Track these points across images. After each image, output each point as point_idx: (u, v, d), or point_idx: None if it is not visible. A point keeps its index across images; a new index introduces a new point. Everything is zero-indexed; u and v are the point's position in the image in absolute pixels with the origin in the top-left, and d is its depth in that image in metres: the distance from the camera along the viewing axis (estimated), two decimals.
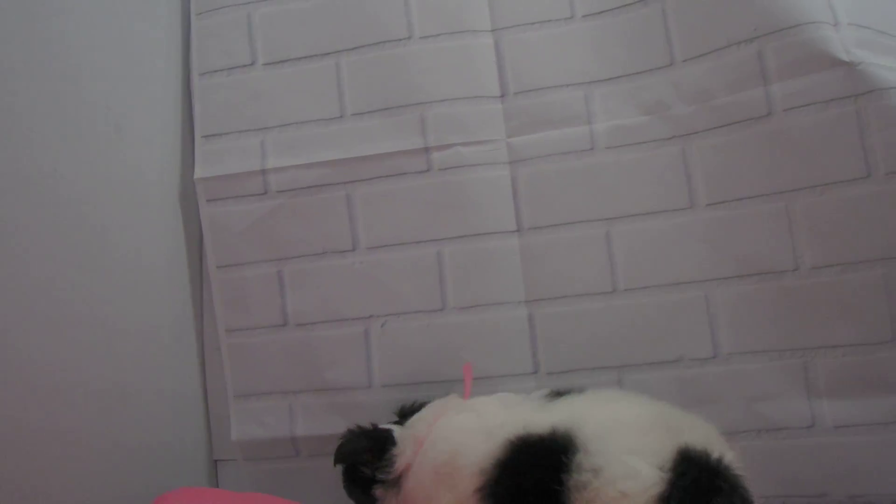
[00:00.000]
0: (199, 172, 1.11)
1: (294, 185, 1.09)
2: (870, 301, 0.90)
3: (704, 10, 0.98)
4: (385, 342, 1.06)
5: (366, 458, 0.86)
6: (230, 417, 1.10)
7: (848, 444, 0.91)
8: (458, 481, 0.76)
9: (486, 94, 1.06)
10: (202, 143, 1.11)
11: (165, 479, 1.00)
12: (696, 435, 0.69)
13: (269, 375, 1.09)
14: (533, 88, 1.05)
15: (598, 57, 1.03)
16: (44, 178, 0.87)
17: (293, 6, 1.12)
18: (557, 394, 0.83)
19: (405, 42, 1.08)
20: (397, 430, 0.88)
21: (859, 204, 0.90)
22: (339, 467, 0.90)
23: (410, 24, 1.08)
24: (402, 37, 1.08)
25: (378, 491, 0.85)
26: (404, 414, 0.93)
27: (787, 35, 0.93)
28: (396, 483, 0.84)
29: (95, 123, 0.97)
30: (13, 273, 0.80)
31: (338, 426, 0.99)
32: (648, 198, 1.00)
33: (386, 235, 1.07)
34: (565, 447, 0.68)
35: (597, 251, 1.01)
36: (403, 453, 0.84)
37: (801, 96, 0.92)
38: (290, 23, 1.12)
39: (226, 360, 1.10)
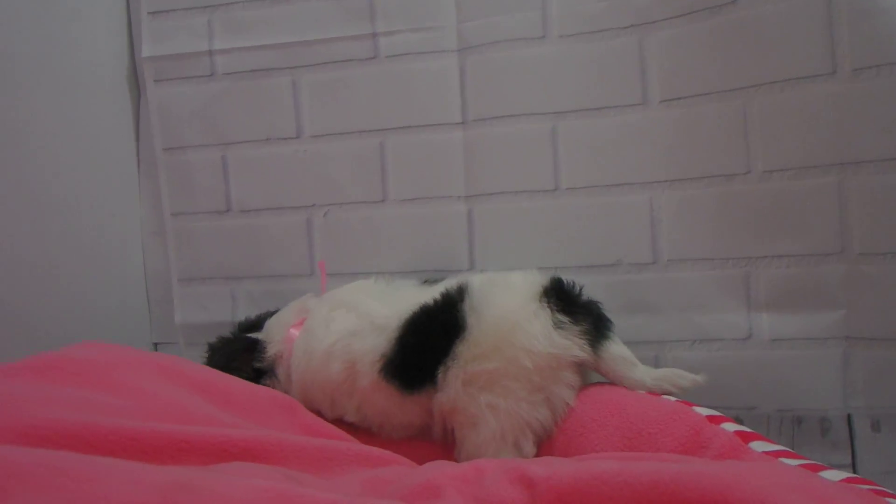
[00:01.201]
0: (146, 51, 1.05)
1: (240, 67, 1.04)
2: (821, 209, 0.83)
3: None
4: (327, 231, 1.02)
5: (239, 358, 0.86)
6: (173, 301, 1.08)
7: (783, 359, 0.86)
8: (358, 382, 0.78)
9: None
10: (149, 21, 1.05)
11: None
12: None
13: (213, 261, 1.07)
14: None
15: None
16: None
17: None
18: (432, 281, 0.84)
19: None
20: (257, 333, 0.88)
21: (820, 103, 0.81)
22: None
23: None
24: None
25: (267, 382, 0.85)
26: (245, 328, 0.92)
27: None
28: (273, 373, 0.85)
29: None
30: None
31: None
32: (600, 92, 0.92)
33: (330, 124, 1.02)
34: (461, 291, 0.77)
35: (541, 147, 0.94)
36: (272, 342, 0.86)
37: None
38: None
39: (170, 245, 1.08)
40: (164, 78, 1.06)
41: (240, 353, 0.87)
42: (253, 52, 1.03)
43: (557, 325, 0.73)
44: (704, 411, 0.69)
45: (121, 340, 1.02)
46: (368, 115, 1.00)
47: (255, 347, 0.86)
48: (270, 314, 0.93)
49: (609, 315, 0.83)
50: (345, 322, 0.82)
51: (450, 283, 0.80)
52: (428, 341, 0.76)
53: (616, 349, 0.76)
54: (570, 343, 0.73)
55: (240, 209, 1.05)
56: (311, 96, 1.02)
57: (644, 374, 0.75)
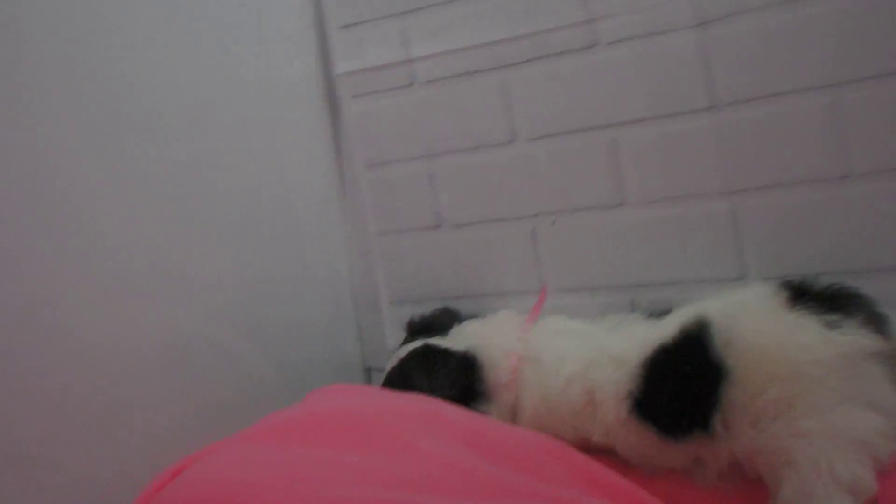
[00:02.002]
0: (341, 67, 1.00)
1: (442, 73, 0.96)
2: None
3: None
4: (556, 242, 0.93)
5: (453, 377, 0.80)
6: (384, 325, 1.02)
7: None
8: (604, 413, 0.74)
9: None
10: (340, 35, 1.00)
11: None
12: None
13: (425, 281, 1.01)
14: None
15: None
16: (187, 82, 0.80)
17: None
18: (658, 315, 0.78)
19: None
20: (455, 345, 0.83)
21: None
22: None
23: None
24: None
25: (481, 408, 0.80)
26: (417, 330, 0.89)
27: None
28: (492, 399, 0.80)
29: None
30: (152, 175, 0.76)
31: None
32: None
33: (548, 124, 0.93)
34: (701, 329, 0.69)
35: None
36: (495, 366, 0.81)
37: None
38: None
39: (378, 266, 1.03)
40: (361, 92, 1.00)
41: (456, 371, 0.80)
42: (454, 55, 0.95)
43: (832, 326, 0.65)
44: None
45: (336, 366, 1.01)
46: (593, 109, 0.90)
47: (473, 366, 0.81)
48: (446, 313, 0.90)
49: None
50: (579, 352, 0.77)
51: (682, 317, 0.73)
52: (686, 386, 0.69)
53: None
54: (855, 337, 0.65)
55: (452, 224, 0.98)
56: (524, 95, 0.93)
57: None
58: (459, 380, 0.80)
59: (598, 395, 0.74)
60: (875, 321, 0.67)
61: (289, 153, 0.98)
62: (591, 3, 0.88)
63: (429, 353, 0.83)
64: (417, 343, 0.85)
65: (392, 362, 0.86)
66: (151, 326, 0.74)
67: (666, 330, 0.72)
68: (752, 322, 0.68)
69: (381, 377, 0.88)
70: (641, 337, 0.74)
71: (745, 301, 0.71)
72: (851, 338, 0.65)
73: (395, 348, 1.02)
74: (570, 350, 0.78)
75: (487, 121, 0.94)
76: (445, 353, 0.82)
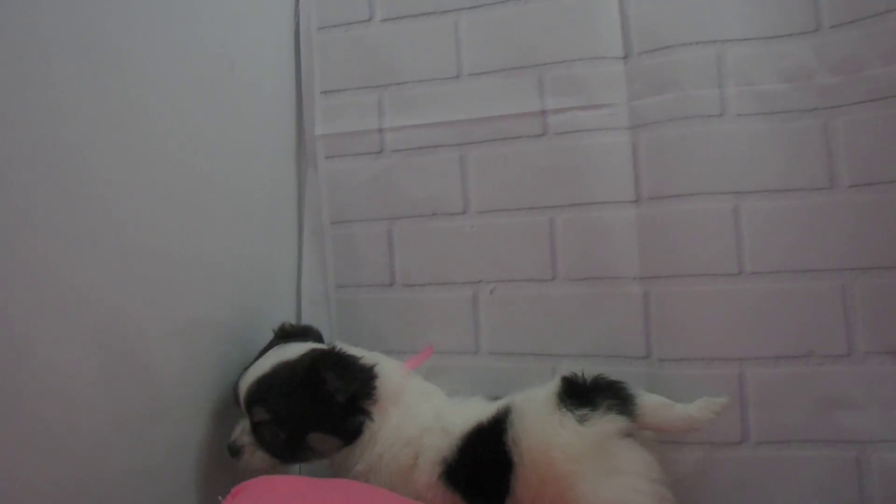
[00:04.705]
0: (319, 129, 1.19)
1: (409, 144, 1.16)
2: None
3: None
4: (494, 309, 1.11)
5: (356, 382, 0.90)
6: None
7: None
8: (418, 476, 0.88)
9: (608, 55, 1.07)
10: (321, 99, 1.20)
11: None
12: None
13: (374, 334, 1.18)
14: (660, 47, 1.04)
15: (734, 14, 1.00)
16: (157, 115, 0.92)
17: None
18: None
19: (525, 0, 1.09)
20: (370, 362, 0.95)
21: None
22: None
23: None
24: None
25: (359, 418, 0.91)
26: (289, 334, 1.02)
27: None
28: (371, 416, 0.91)
29: (210, 60, 1.03)
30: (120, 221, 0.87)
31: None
32: (784, 173, 0.98)
33: (498, 199, 1.12)
34: (505, 415, 0.87)
35: (722, 228, 0.99)
36: (391, 381, 0.94)
37: None
38: None
39: (333, 317, 1.20)
40: (334, 154, 1.19)
41: (362, 381, 0.91)
42: (422, 129, 1.15)
43: (583, 420, 0.83)
44: None
45: None
46: (537, 190, 1.10)
47: (372, 381, 0.92)
48: (313, 330, 1.05)
49: (801, 411, 0.91)
50: (424, 417, 0.93)
51: (501, 404, 0.90)
52: (487, 465, 0.85)
53: (648, 399, 0.87)
54: (600, 425, 0.83)
55: (403, 283, 1.16)
56: (479, 171, 1.13)
57: (685, 408, 0.87)
58: (360, 383, 0.91)
59: (421, 459, 0.89)
60: (619, 404, 0.85)
61: (256, 206, 1.13)
62: (545, 97, 1.09)
63: (341, 355, 0.93)
64: (307, 344, 0.97)
65: (284, 356, 0.94)
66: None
67: (488, 409, 0.90)
68: (530, 422, 0.85)
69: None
70: (472, 414, 0.90)
71: (536, 396, 0.89)
72: (598, 427, 0.83)
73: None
74: (421, 412, 0.93)
75: (445, 191, 1.14)
76: (353, 358, 0.94)
